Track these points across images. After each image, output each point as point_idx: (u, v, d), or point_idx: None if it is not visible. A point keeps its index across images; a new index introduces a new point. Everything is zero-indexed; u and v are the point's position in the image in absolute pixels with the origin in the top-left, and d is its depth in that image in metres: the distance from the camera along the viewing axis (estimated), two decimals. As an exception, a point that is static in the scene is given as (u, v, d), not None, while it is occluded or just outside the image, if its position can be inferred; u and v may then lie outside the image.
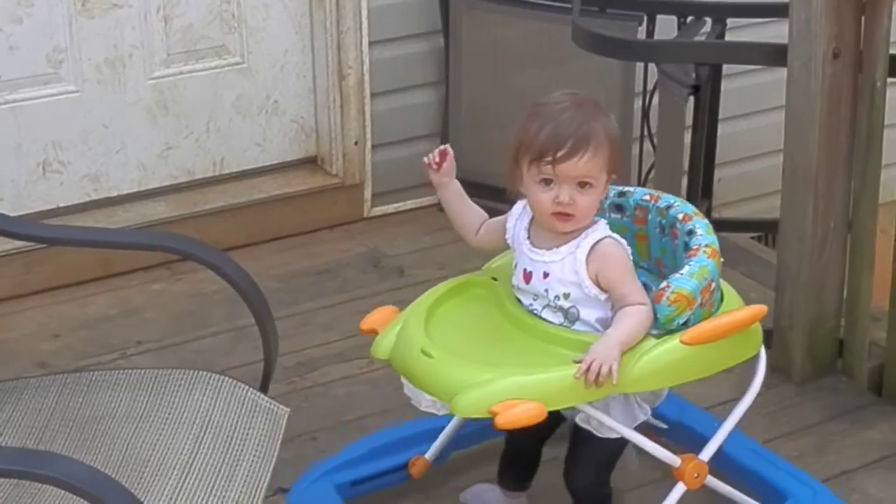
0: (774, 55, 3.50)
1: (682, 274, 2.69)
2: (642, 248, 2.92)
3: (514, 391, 2.56)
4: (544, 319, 2.74)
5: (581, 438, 2.81)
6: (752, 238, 4.47)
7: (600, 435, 2.75)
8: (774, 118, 4.62)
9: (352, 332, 3.92)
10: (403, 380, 2.73)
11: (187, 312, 4.03)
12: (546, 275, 2.71)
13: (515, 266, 2.78)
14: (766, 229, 4.54)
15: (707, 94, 3.66)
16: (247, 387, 2.68)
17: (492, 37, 4.40)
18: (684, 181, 3.92)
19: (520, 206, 2.81)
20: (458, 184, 2.87)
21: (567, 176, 2.63)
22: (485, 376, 2.58)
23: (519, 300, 2.79)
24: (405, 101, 4.47)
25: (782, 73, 3.52)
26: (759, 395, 3.58)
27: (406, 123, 4.48)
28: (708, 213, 3.96)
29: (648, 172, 4.24)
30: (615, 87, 4.26)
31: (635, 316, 2.65)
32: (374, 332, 2.79)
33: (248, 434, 2.59)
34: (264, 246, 4.33)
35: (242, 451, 2.54)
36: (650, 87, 4.19)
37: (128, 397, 2.63)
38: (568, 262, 2.70)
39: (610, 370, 2.56)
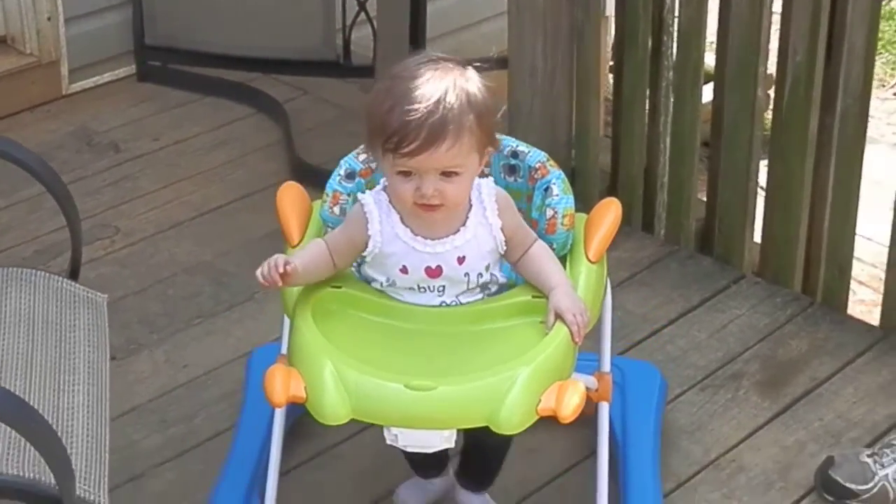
0: None
1: (556, 196, 2.55)
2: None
3: (540, 381, 2.28)
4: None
5: None
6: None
7: None
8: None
9: (83, 214, 3.82)
10: (396, 430, 2.29)
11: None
12: (462, 259, 2.41)
13: (403, 269, 2.41)
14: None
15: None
16: (60, 278, 2.61)
17: None
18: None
19: (369, 202, 2.41)
20: (299, 265, 2.36)
21: (426, 168, 2.29)
22: (501, 378, 2.26)
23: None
24: (94, -31, 4.32)
25: None
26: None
27: (97, -7, 4.34)
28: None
29: (352, 25, 4.26)
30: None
31: (549, 253, 2.47)
32: (297, 400, 2.31)
33: (75, 325, 2.52)
34: (-35, 135, 4.14)
35: (75, 342, 2.48)
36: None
37: (-61, 303, 2.50)
38: (482, 233, 2.42)
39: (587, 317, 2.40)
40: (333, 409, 2.26)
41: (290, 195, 2.61)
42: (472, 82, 2.33)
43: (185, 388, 3.20)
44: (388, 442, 2.32)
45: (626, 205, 3.72)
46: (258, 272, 2.34)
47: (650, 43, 3.62)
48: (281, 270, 2.31)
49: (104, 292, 3.47)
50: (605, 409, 2.75)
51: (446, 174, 2.30)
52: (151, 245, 3.73)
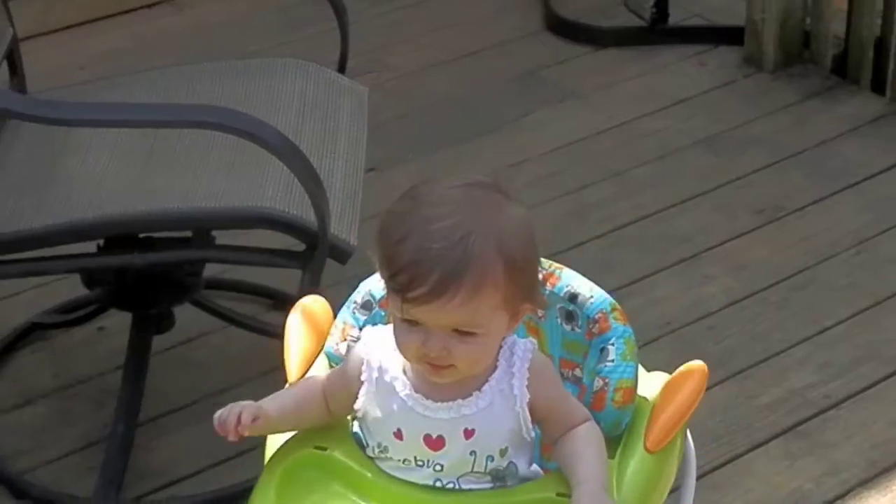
0: None
1: (610, 361, 1.96)
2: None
3: None
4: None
5: None
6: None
7: None
8: None
9: (359, 51, 4.24)
10: None
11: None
12: (470, 433, 1.86)
13: (398, 433, 1.88)
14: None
15: None
16: (330, 70, 3.00)
17: None
18: None
19: (371, 340, 1.92)
20: (273, 412, 1.91)
21: (435, 323, 1.78)
22: None
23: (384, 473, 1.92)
24: None
25: None
26: (735, 83, 4.08)
27: None
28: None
29: None
30: None
31: (596, 440, 1.89)
32: None
33: (339, 108, 2.91)
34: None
35: (338, 125, 2.86)
36: None
37: (229, 84, 2.92)
38: (501, 406, 1.86)
39: None
40: None
41: (303, 317, 2.08)
42: (511, 221, 1.80)
43: (433, 198, 3.61)
44: None
45: (856, 67, 4.03)
46: (216, 416, 1.88)
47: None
48: (244, 420, 1.85)
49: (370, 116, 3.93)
50: None
51: (460, 332, 1.78)
52: (414, 80, 4.13)
